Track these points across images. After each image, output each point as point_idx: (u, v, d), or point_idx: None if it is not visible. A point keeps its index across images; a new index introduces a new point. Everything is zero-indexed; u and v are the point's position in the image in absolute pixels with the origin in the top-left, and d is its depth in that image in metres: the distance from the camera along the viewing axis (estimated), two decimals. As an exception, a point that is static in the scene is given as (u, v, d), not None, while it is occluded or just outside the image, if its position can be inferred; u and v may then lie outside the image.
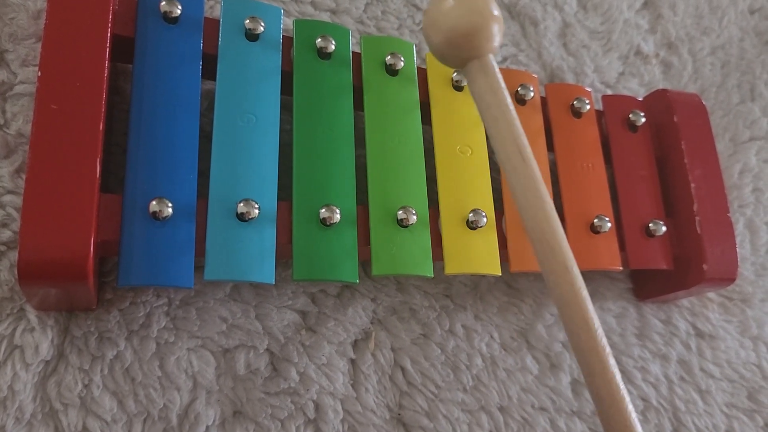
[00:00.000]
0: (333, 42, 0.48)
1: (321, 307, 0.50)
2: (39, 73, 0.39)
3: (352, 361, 0.49)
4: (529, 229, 0.34)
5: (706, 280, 0.54)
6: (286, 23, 0.51)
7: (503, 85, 0.34)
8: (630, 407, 0.33)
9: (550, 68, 0.65)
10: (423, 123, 0.50)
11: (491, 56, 0.34)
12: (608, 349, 0.33)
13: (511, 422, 0.51)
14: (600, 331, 0.34)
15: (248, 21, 0.45)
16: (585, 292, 0.34)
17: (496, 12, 0.33)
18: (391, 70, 0.50)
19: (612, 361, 0.33)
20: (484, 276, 0.55)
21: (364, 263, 0.51)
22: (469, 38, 0.33)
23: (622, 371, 0.56)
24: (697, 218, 0.55)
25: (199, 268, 0.41)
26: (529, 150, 0.34)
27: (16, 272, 0.40)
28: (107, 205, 0.39)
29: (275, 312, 0.48)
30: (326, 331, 0.49)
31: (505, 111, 0.34)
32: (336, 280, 0.45)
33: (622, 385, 0.33)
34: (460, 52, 0.34)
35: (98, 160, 0.38)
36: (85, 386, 0.43)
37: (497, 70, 0.34)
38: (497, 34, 0.34)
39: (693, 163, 0.56)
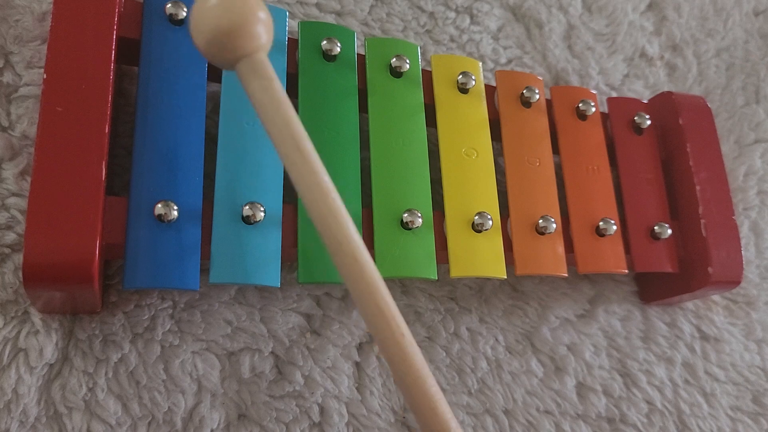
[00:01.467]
0: (338, 44, 0.47)
1: (326, 310, 0.50)
2: (44, 76, 0.39)
3: (357, 364, 0.49)
4: (316, 223, 0.33)
5: (711, 283, 0.54)
6: (291, 25, 0.51)
7: (276, 82, 0.33)
8: (429, 390, 0.33)
9: (555, 70, 0.65)
10: (428, 125, 0.50)
11: (261, 54, 0.33)
12: (408, 337, 0.33)
13: (516, 425, 0.51)
14: (399, 319, 0.33)
15: (253, 23, 0.45)
16: (378, 279, 0.33)
17: (260, 9, 0.32)
18: (396, 72, 0.50)
19: (413, 350, 0.33)
20: (489, 279, 0.55)
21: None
22: (231, 37, 0.32)
23: (627, 374, 0.56)
24: (702, 221, 0.55)
25: (204, 271, 0.41)
26: (308, 144, 0.33)
27: (20, 275, 0.40)
28: (113, 208, 0.39)
29: (280, 315, 0.48)
30: (331, 334, 0.49)
31: (279, 107, 0.32)
32: (341, 283, 0.45)
33: (425, 368, 0.33)
34: (227, 53, 0.33)
35: (104, 162, 0.38)
36: (90, 389, 0.43)
37: (268, 67, 0.33)
38: (263, 32, 0.32)
39: (698, 165, 0.56)
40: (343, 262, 0.33)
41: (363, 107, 0.49)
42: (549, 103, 0.56)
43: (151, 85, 0.42)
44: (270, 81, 0.32)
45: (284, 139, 0.32)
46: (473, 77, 0.51)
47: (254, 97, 0.33)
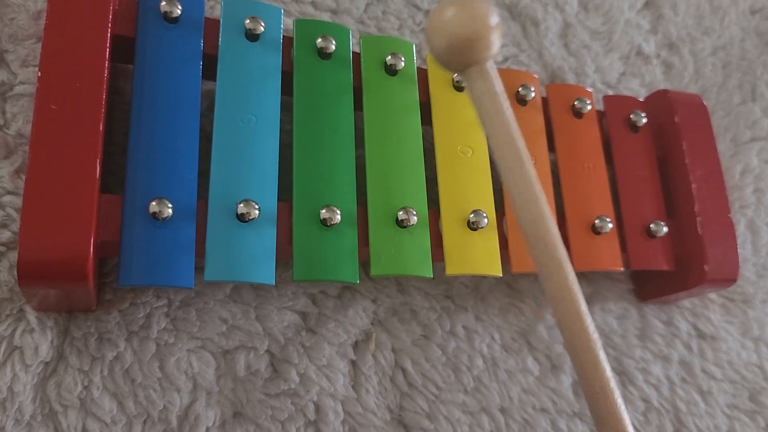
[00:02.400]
0: (333, 42, 0.47)
1: (321, 308, 0.50)
2: (39, 74, 0.39)
3: (353, 363, 0.49)
4: (525, 228, 0.35)
5: (708, 280, 0.54)
6: (287, 23, 0.51)
7: (501, 90, 0.35)
8: (620, 402, 0.34)
9: (551, 68, 0.65)
10: (423, 123, 0.50)
11: (491, 63, 0.35)
12: (600, 344, 0.34)
13: (512, 423, 0.51)
14: (592, 327, 0.34)
15: (248, 21, 0.45)
16: (578, 288, 0.34)
17: (497, 20, 0.35)
18: (392, 70, 0.50)
19: (603, 356, 0.34)
20: (485, 277, 0.55)
21: (365, 264, 0.51)
22: (469, 45, 0.34)
23: (624, 372, 0.56)
24: (698, 219, 0.55)
25: (199, 268, 0.41)
26: (525, 152, 0.35)
27: (15, 273, 0.40)
28: (107, 206, 0.39)
29: (275, 313, 0.48)
30: (327, 332, 0.49)
31: (502, 115, 0.35)
32: (336, 281, 0.45)
33: (613, 380, 0.34)
34: (461, 58, 0.35)
35: (98, 160, 0.38)
36: (85, 387, 0.43)
37: (496, 76, 0.35)
38: (496, 42, 0.35)
39: (694, 163, 0.56)
40: (547, 265, 0.34)
41: (358, 105, 0.49)
42: (545, 101, 0.56)
43: (146, 82, 0.42)
44: (495, 88, 0.35)
45: (503, 145, 0.35)
46: (469, 75, 0.51)
47: (479, 102, 0.35)
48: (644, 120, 0.57)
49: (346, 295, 0.51)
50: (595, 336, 0.34)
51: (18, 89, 0.46)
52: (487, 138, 0.36)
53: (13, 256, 0.43)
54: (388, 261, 0.45)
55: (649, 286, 0.59)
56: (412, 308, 0.52)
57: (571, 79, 0.65)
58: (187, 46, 0.44)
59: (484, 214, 0.47)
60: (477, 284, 0.55)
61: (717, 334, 0.61)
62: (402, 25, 0.60)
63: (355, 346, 0.50)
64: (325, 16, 0.57)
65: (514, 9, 0.65)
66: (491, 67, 0.35)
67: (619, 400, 0.34)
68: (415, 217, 0.45)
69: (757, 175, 0.68)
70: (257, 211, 0.41)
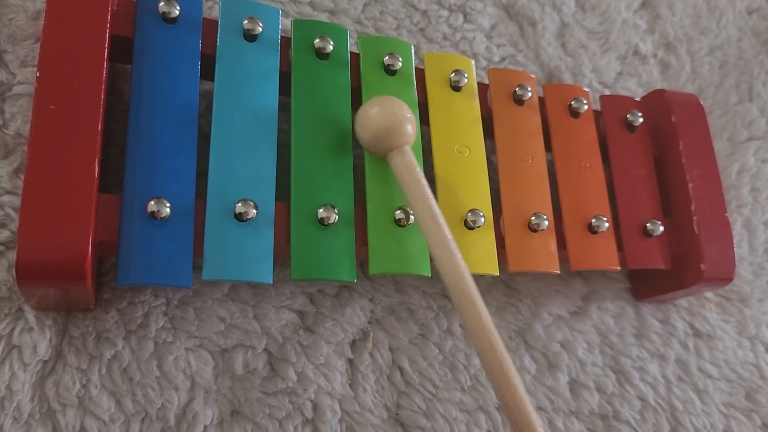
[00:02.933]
0: (331, 42, 0.48)
1: (319, 307, 0.50)
2: (38, 74, 0.39)
3: (350, 361, 0.49)
4: (445, 279, 0.41)
5: (704, 279, 0.54)
6: (285, 24, 0.51)
7: (417, 167, 0.44)
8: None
9: (548, 68, 0.65)
10: (421, 123, 0.50)
11: (407, 146, 0.44)
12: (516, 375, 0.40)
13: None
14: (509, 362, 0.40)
15: (246, 21, 0.45)
16: (501, 346, 0.40)
17: (409, 114, 0.44)
18: (389, 70, 0.50)
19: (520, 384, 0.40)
20: (482, 276, 0.55)
21: (362, 263, 0.51)
22: (388, 134, 0.44)
23: (620, 371, 0.56)
24: (694, 218, 0.55)
25: (198, 268, 0.41)
26: (439, 214, 0.42)
27: (14, 272, 0.40)
28: (106, 206, 0.39)
29: (273, 312, 0.49)
30: (324, 331, 0.49)
31: (420, 186, 0.43)
32: (334, 280, 0.45)
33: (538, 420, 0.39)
34: (383, 144, 0.44)
35: (97, 160, 0.38)
36: (83, 386, 0.43)
37: (411, 156, 0.44)
38: (411, 131, 0.44)
39: (691, 163, 0.56)
40: (471, 321, 0.41)
41: (356, 105, 0.49)
42: (542, 101, 0.56)
43: (145, 83, 0.42)
44: (413, 165, 0.44)
45: (423, 210, 0.42)
46: (466, 75, 0.51)
47: (401, 176, 0.44)
48: (641, 120, 0.57)
49: (344, 294, 0.51)
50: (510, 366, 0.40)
51: (17, 89, 0.46)
52: (410, 206, 0.44)
53: (12, 255, 0.43)
54: (387, 259, 0.45)
55: (646, 284, 0.59)
56: (409, 307, 0.52)
57: (568, 78, 0.65)
58: (186, 47, 0.44)
59: (481, 214, 0.47)
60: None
61: (713, 333, 0.61)
62: (399, 26, 0.60)
63: (353, 344, 0.50)
64: (323, 17, 0.58)
65: (512, 9, 0.65)
66: (407, 150, 0.44)
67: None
68: (413, 217, 0.46)
69: (754, 174, 0.68)
70: (255, 211, 0.42)
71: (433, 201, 0.43)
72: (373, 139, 0.44)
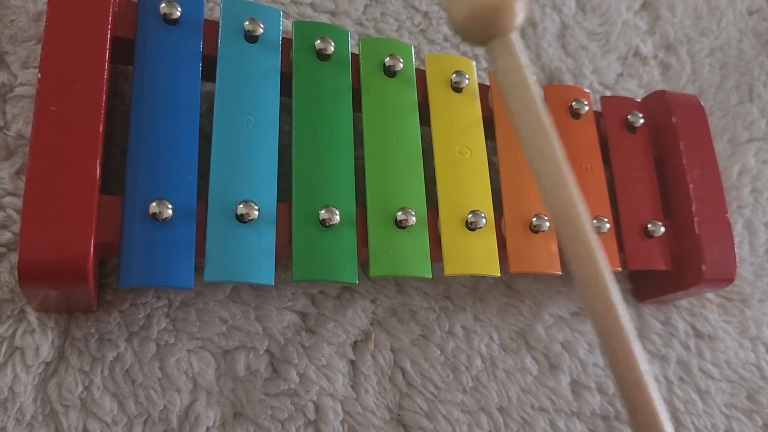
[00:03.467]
0: (332, 43, 0.48)
1: (321, 309, 0.50)
2: (39, 75, 0.39)
3: (352, 363, 0.49)
4: (554, 212, 0.33)
5: (705, 280, 0.54)
6: (286, 25, 0.51)
7: (526, 62, 0.34)
8: (653, 389, 0.32)
9: (549, 69, 0.65)
10: (422, 124, 0.50)
11: (515, 34, 0.34)
12: (634, 334, 0.32)
13: (511, 423, 0.51)
14: (625, 317, 0.32)
15: (248, 23, 0.45)
16: (608, 270, 0.32)
17: None
18: (390, 72, 0.50)
19: (638, 348, 0.32)
20: (483, 277, 0.55)
21: (364, 264, 0.51)
22: (493, 14, 0.33)
23: (622, 372, 0.56)
24: (695, 219, 0.55)
25: (199, 269, 0.41)
26: (552, 128, 0.33)
27: (16, 274, 0.40)
28: (107, 207, 0.39)
29: (275, 313, 0.49)
30: (326, 332, 0.49)
31: (527, 89, 0.33)
32: (335, 281, 0.45)
33: (645, 364, 0.32)
34: (484, 29, 0.33)
35: (98, 161, 0.38)
36: (86, 388, 0.43)
37: (520, 48, 0.34)
38: (521, 12, 0.33)
39: (691, 163, 0.56)
40: (574, 244, 0.32)
41: (357, 106, 0.49)
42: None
43: (146, 84, 0.42)
44: (520, 61, 0.33)
45: (529, 121, 0.33)
46: (467, 76, 0.52)
47: (504, 75, 0.33)
48: (641, 120, 0.57)
49: (346, 296, 0.51)
50: (628, 326, 0.32)
51: (18, 91, 0.46)
52: (512, 115, 0.34)
53: (14, 257, 0.43)
54: (387, 261, 0.45)
55: (647, 285, 0.59)
56: (410, 308, 0.52)
57: (568, 80, 0.65)
58: (187, 48, 0.44)
59: (483, 215, 0.47)
60: (475, 284, 0.55)
61: (715, 334, 0.61)
62: (400, 27, 0.60)
63: (355, 346, 0.50)
64: (324, 18, 0.58)
65: (512, 10, 0.65)
66: (516, 39, 0.34)
67: (653, 388, 0.32)
68: (414, 218, 0.46)
69: (755, 175, 0.68)
70: (257, 212, 0.42)
71: (543, 110, 0.34)
72: (469, 20, 0.33)
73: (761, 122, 0.70)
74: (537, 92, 0.33)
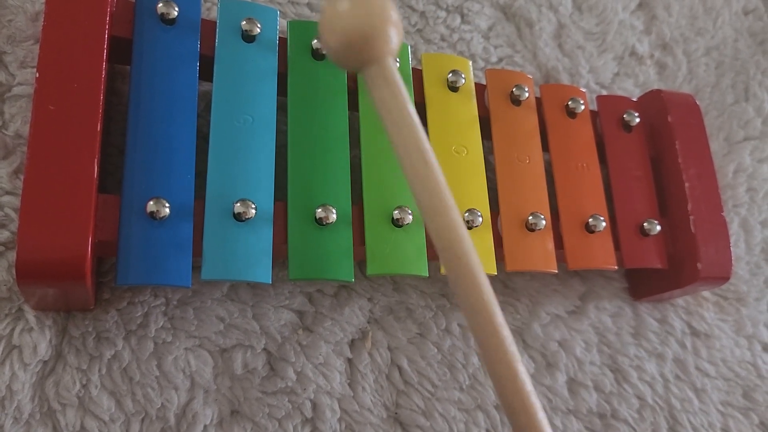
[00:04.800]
0: (329, 43, 0.48)
1: (318, 307, 0.50)
2: (37, 75, 0.39)
3: (349, 361, 0.49)
4: (434, 236, 0.32)
5: (701, 278, 0.54)
6: (283, 25, 0.51)
7: (404, 88, 0.33)
8: (542, 416, 0.32)
9: (546, 69, 0.65)
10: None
11: (390, 59, 0.33)
12: (517, 357, 0.32)
13: (508, 421, 0.51)
14: (510, 340, 0.32)
15: (245, 22, 0.46)
16: (493, 299, 0.32)
17: (395, 14, 0.32)
18: (387, 71, 0.50)
19: (522, 369, 0.32)
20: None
21: (361, 263, 0.51)
22: (366, 41, 0.31)
23: (618, 370, 0.56)
24: (691, 217, 0.55)
25: (197, 268, 0.41)
26: (432, 155, 0.32)
27: (14, 272, 0.40)
28: (105, 206, 0.40)
29: (272, 312, 0.49)
30: (323, 330, 0.49)
31: (406, 116, 0.32)
32: (331, 280, 0.45)
33: (533, 393, 0.32)
34: (359, 55, 0.32)
35: (96, 160, 0.39)
36: (83, 386, 0.43)
37: (396, 73, 0.33)
38: (395, 37, 0.32)
39: (687, 162, 0.57)
40: (459, 275, 0.32)
41: (354, 105, 0.49)
42: (539, 102, 0.56)
43: (143, 83, 0.43)
44: (398, 87, 0.32)
45: (409, 148, 0.32)
46: (463, 75, 0.52)
47: (381, 102, 0.33)
48: (637, 120, 0.57)
49: (343, 294, 0.51)
50: (512, 349, 0.32)
51: (16, 90, 0.46)
52: (391, 143, 0.33)
53: (12, 255, 0.43)
54: (384, 260, 0.45)
55: (643, 284, 0.59)
56: (407, 306, 0.52)
57: (565, 79, 0.65)
58: (184, 48, 0.44)
59: (479, 213, 0.48)
60: (472, 283, 0.55)
61: (711, 332, 0.61)
62: (397, 26, 0.60)
63: (352, 344, 0.50)
64: (321, 18, 0.58)
65: (509, 10, 0.66)
66: (392, 64, 0.32)
67: (541, 414, 0.32)
68: (411, 216, 0.46)
69: (750, 174, 0.68)
70: (254, 211, 0.42)
71: (423, 136, 0.32)
72: (342, 48, 0.32)
73: (757, 121, 0.71)
74: (415, 118, 0.32)
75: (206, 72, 0.45)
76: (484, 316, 0.32)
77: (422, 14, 0.62)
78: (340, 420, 0.48)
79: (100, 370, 0.44)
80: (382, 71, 0.32)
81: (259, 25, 0.46)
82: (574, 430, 0.53)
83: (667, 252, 0.56)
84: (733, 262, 0.56)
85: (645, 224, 0.54)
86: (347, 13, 0.31)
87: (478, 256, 0.47)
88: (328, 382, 0.48)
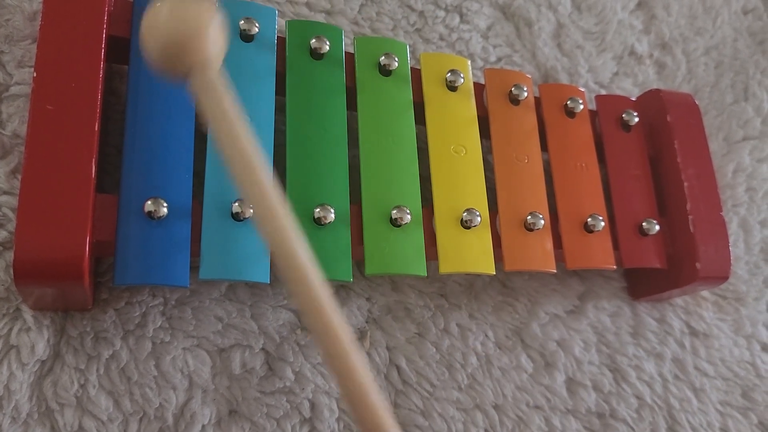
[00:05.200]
0: (327, 42, 0.48)
1: (316, 307, 0.50)
2: (34, 74, 0.39)
3: (348, 360, 0.49)
4: (266, 240, 0.32)
5: (700, 278, 0.54)
6: (281, 24, 0.51)
7: (227, 92, 0.32)
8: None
9: (545, 69, 0.65)
10: (417, 123, 0.50)
11: (212, 67, 0.32)
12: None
13: (506, 421, 0.51)
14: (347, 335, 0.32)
15: (243, 22, 0.46)
16: (324, 293, 0.32)
17: (212, 19, 0.31)
18: (385, 71, 0.50)
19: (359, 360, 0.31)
20: (478, 275, 0.55)
21: (359, 263, 0.51)
22: (185, 45, 0.30)
23: (617, 370, 0.56)
24: (690, 217, 0.55)
25: (195, 267, 0.41)
26: (260, 159, 0.32)
27: (12, 272, 0.40)
28: (103, 206, 0.40)
29: (270, 311, 0.49)
30: (321, 330, 0.49)
31: (231, 121, 0.32)
32: (330, 279, 0.45)
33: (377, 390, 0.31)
34: (181, 62, 0.31)
35: (94, 160, 0.39)
36: (81, 386, 0.43)
37: (220, 78, 0.32)
38: (216, 40, 0.31)
39: (686, 162, 0.57)
40: (292, 278, 0.32)
41: (351, 105, 0.49)
42: (538, 101, 0.56)
43: (141, 83, 0.43)
44: (222, 93, 0.31)
45: (236, 156, 0.31)
46: (462, 75, 0.52)
47: (208, 108, 0.32)
48: (636, 119, 0.57)
49: (341, 294, 0.51)
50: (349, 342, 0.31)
51: (14, 90, 0.46)
52: (220, 149, 0.32)
53: (10, 255, 0.43)
54: (383, 260, 0.45)
55: (642, 283, 0.59)
56: (406, 306, 0.52)
57: (564, 79, 0.65)
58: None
59: (478, 213, 0.48)
60: (471, 282, 0.55)
61: (710, 332, 0.61)
62: (396, 26, 0.60)
63: (350, 344, 0.50)
64: (320, 17, 0.58)
65: (508, 10, 0.66)
66: (215, 72, 0.32)
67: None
68: (409, 216, 0.46)
69: (750, 173, 0.68)
70: (252, 210, 0.42)
71: (250, 142, 0.31)
72: (160, 57, 0.31)
73: (756, 121, 0.71)
74: (242, 123, 0.32)
75: (204, 71, 0.45)
76: (317, 313, 0.31)
77: (421, 14, 0.62)
78: (338, 420, 0.47)
79: (98, 370, 0.44)
80: (203, 79, 0.31)
81: (257, 25, 0.46)
82: (573, 429, 0.53)
83: (666, 252, 0.56)
84: (732, 261, 0.56)
85: (644, 224, 0.54)
86: (163, 21, 0.30)
87: (477, 255, 0.48)
88: (327, 382, 0.48)
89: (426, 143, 0.50)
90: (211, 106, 0.32)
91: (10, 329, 0.42)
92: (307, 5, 0.58)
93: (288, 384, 0.47)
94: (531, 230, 0.50)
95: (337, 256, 0.44)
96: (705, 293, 0.63)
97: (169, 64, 0.31)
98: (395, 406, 0.49)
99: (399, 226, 0.46)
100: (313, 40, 0.48)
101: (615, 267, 0.53)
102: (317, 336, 0.31)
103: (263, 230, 0.32)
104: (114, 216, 0.40)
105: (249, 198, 0.32)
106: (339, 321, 0.31)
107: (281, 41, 0.48)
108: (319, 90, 0.48)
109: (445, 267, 0.47)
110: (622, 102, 0.59)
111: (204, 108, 0.32)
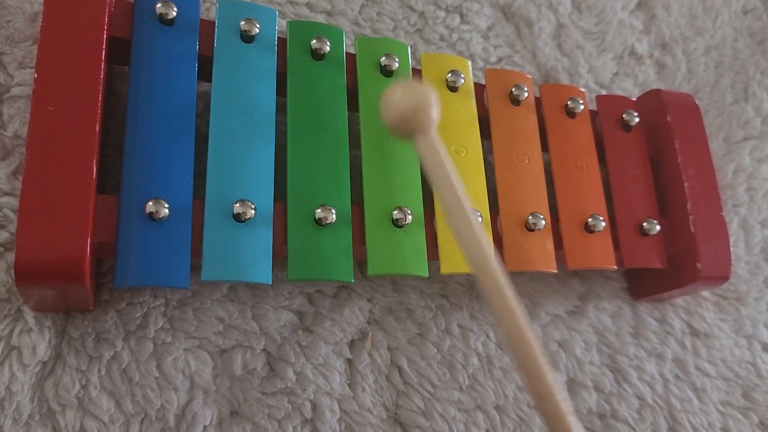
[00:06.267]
0: (328, 43, 0.48)
1: (317, 308, 0.50)
2: (35, 75, 0.39)
3: (349, 361, 0.49)
4: (480, 286, 0.37)
5: (700, 278, 0.54)
6: (282, 25, 0.51)
7: (443, 152, 0.40)
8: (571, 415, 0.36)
9: (545, 69, 0.65)
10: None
11: (433, 131, 0.41)
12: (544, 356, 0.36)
13: (508, 421, 0.51)
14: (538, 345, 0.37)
15: (243, 23, 0.46)
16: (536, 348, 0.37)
17: (433, 99, 0.40)
18: (386, 71, 0.50)
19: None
20: (479, 276, 0.55)
21: (360, 263, 0.51)
22: (414, 117, 0.40)
23: (618, 370, 0.56)
24: (690, 217, 0.55)
25: (196, 268, 0.41)
26: (470, 208, 0.39)
27: (13, 273, 0.40)
28: (104, 207, 0.40)
29: (272, 312, 0.49)
30: (323, 331, 0.49)
31: (447, 175, 0.40)
32: (331, 280, 0.45)
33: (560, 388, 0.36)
34: (408, 128, 0.40)
35: (94, 161, 0.39)
36: (83, 387, 0.43)
37: (438, 141, 0.41)
38: (435, 113, 0.40)
39: (686, 162, 0.57)
40: (504, 323, 0.37)
41: (352, 106, 0.49)
42: (538, 101, 0.56)
43: (142, 84, 0.43)
44: (438, 152, 0.40)
45: (450, 201, 0.39)
46: (462, 75, 0.52)
47: (429, 164, 0.40)
48: (637, 119, 0.57)
49: (342, 295, 0.51)
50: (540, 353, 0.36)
51: (15, 91, 0.46)
52: (437, 194, 0.40)
53: (11, 256, 0.43)
54: (384, 260, 0.45)
55: (643, 284, 0.59)
56: (407, 307, 0.52)
57: (564, 79, 0.65)
58: (183, 48, 0.44)
59: (479, 214, 0.48)
60: (472, 283, 0.55)
61: (710, 332, 0.61)
62: (397, 27, 0.60)
63: (351, 344, 0.50)
64: (320, 18, 0.58)
65: (508, 10, 0.66)
66: (434, 135, 0.41)
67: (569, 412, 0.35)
68: (411, 217, 0.46)
69: (750, 173, 0.68)
70: (253, 211, 0.42)
71: (461, 188, 0.40)
72: (397, 121, 0.41)
73: (756, 121, 0.71)
74: (456, 177, 0.40)
75: (205, 72, 0.45)
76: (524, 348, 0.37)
77: (421, 14, 0.62)
78: (339, 420, 0.47)
79: (99, 371, 0.44)
80: (426, 141, 0.40)
81: (258, 26, 0.46)
82: (574, 430, 0.53)
83: (667, 252, 0.56)
84: (732, 261, 0.56)
85: (644, 224, 0.54)
86: (398, 98, 0.40)
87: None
88: (328, 383, 0.48)
89: (427, 144, 0.50)
90: (431, 159, 0.40)
91: (12, 330, 0.42)
92: (308, 6, 0.58)
93: (289, 385, 0.47)
94: (532, 230, 0.50)
95: (339, 257, 0.44)
96: (706, 293, 0.63)
97: (402, 126, 0.40)
98: (396, 406, 0.49)
99: (400, 226, 0.46)
100: (314, 41, 0.48)
101: (616, 267, 0.53)
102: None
103: (482, 284, 0.37)
104: (115, 217, 0.40)
105: (464, 248, 0.38)
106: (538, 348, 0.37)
107: (282, 42, 0.48)
108: (320, 91, 0.48)
109: (447, 267, 0.47)
110: (622, 102, 0.59)
111: (425, 161, 0.40)
